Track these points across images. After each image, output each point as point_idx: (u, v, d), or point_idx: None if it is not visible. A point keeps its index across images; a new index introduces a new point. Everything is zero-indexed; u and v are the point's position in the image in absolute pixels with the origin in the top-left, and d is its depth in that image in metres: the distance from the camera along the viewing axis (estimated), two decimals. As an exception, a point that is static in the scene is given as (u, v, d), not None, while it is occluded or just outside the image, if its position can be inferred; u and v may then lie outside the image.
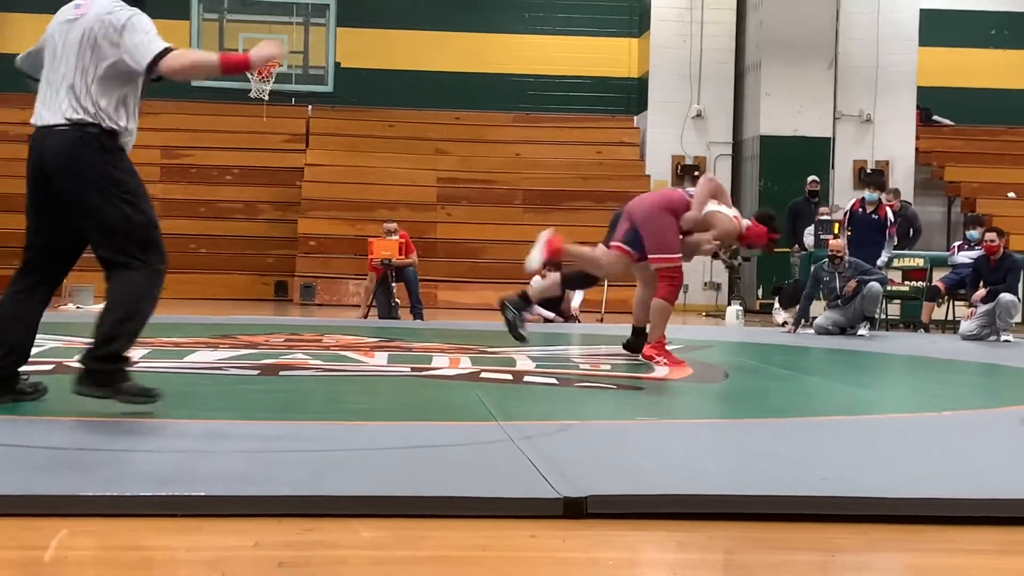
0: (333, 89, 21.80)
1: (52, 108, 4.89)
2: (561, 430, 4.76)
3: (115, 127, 4.87)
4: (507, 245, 19.34)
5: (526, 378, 7.06)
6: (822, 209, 17.11)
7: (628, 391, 6.67)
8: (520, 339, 8.87)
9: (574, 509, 3.28)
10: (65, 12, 5.05)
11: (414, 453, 4.14)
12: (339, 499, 3.28)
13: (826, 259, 13.23)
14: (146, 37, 4.86)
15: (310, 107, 22.41)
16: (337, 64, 21.93)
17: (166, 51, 4.84)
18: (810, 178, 17.63)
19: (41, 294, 5.02)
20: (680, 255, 8.10)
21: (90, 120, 4.84)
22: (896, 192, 17.58)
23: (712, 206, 8.16)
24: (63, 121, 4.85)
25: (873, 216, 14.74)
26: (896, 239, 15.34)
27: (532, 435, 4.47)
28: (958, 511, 3.41)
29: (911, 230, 16.88)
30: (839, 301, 13.01)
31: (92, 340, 4.85)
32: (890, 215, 14.91)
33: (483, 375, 7.10)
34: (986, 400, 7.06)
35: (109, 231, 4.82)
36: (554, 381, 6.96)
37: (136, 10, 4.94)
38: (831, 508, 3.40)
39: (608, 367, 8.11)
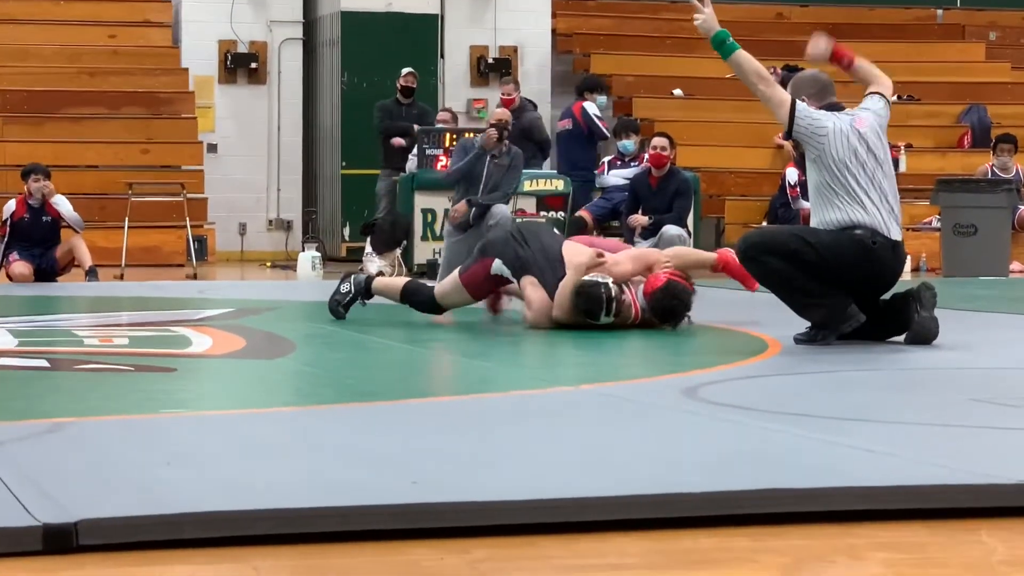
0: None
1: None
2: (48, 432, 4.74)
3: None
4: (-21, 170, 18.76)
5: (2, 361, 6.99)
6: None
7: (152, 373, 6.70)
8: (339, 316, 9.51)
9: (59, 541, 3.26)
10: None
11: None
12: None
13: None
14: None
15: None
16: None
17: None
18: (404, 71, 17.92)
19: None
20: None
21: None
22: (515, 84, 17.96)
23: None
24: None
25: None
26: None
27: (4, 441, 4.45)
28: (587, 515, 3.61)
29: (533, 144, 16.98)
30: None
31: None
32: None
33: (-61, 359, 6.96)
34: (641, 368, 7.46)
35: None
36: (44, 364, 6.96)
37: None
38: (420, 521, 3.52)
39: (125, 341, 8.07)
